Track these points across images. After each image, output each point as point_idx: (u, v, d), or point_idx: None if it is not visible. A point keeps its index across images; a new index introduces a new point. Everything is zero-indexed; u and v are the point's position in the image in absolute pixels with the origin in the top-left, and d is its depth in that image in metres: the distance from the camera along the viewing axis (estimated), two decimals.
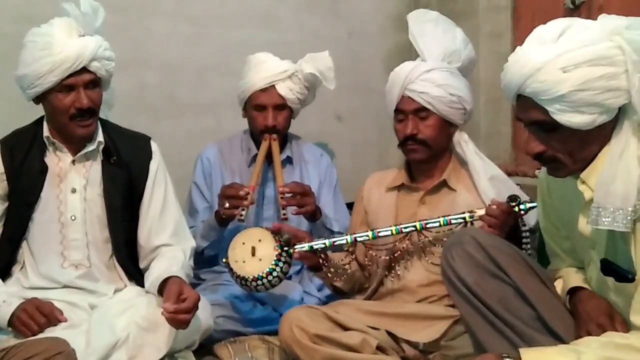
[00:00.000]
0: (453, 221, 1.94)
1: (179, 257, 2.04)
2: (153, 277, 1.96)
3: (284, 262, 2.02)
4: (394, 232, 2.00)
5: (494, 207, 1.86)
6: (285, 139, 2.57)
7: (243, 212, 2.20)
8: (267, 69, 2.43)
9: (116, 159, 2.06)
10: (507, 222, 1.85)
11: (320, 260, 2.08)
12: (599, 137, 1.44)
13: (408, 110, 2.09)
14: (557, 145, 1.46)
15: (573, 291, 1.63)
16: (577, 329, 1.55)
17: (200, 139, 2.79)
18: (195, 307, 1.84)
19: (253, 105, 2.46)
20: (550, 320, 1.55)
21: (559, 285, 1.68)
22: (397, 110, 2.12)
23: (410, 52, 2.83)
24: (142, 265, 2.09)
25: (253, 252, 2.04)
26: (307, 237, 2.06)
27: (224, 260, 2.07)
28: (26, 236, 2.01)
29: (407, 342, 1.95)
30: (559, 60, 1.38)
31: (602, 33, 1.39)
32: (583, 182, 1.47)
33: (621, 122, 1.42)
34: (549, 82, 1.38)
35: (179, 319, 1.81)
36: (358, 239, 2.04)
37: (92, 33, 1.98)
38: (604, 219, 1.39)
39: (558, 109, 1.39)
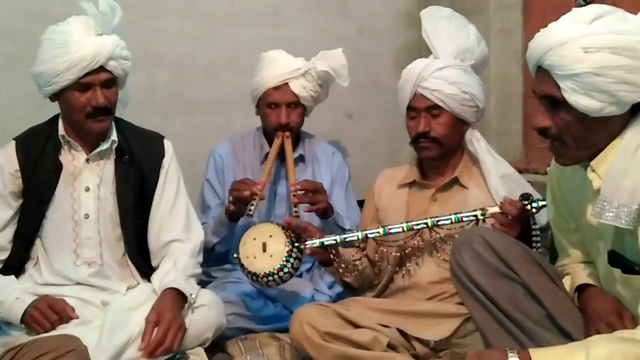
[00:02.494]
0: (465, 218, 1.94)
1: (180, 262, 2.03)
2: (156, 288, 1.98)
3: (295, 258, 2.03)
4: (405, 228, 2.00)
5: (507, 204, 1.86)
6: (297, 137, 2.57)
7: (252, 208, 2.20)
8: (280, 67, 2.44)
9: (129, 157, 2.07)
10: (519, 220, 1.84)
11: (331, 256, 2.08)
12: (605, 129, 1.43)
13: (420, 108, 2.09)
14: (562, 125, 1.45)
15: (581, 288, 1.62)
16: (586, 327, 1.55)
17: (209, 137, 2.79)
18: (171, 328, 1.84)
19: (266, 103, 2.46)
20: (560, 319, 1.56)
21: (567, 282, 1.68)
22: (410, 108, 2.12)
23: (420, 50, 2.84)
24: (154, 263, 2.10)
25: (264, 248, 2.04)
26: (318, 233, 2.07)
27: (235, 255, 2.08)
28: (40, 233, 2.03)
29: (418, 339, 1.94)
30: (584, 39, 1.38)
31: (636, 27, 1.38)
32: (593, 171, 1.46)
33: (638, 119, 1.42)
34: (567, 58, 1.38)
35: (158, 353, 1.83)
36: (369, 235, 2.04)
37: (110, 32, 1.98)
38: (607, 214, 1.39)
39: (570, 87, 1.39)
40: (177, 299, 1.93)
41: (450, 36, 2.15)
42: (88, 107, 1.96)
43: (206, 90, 2.95)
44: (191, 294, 1.96)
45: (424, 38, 2.20)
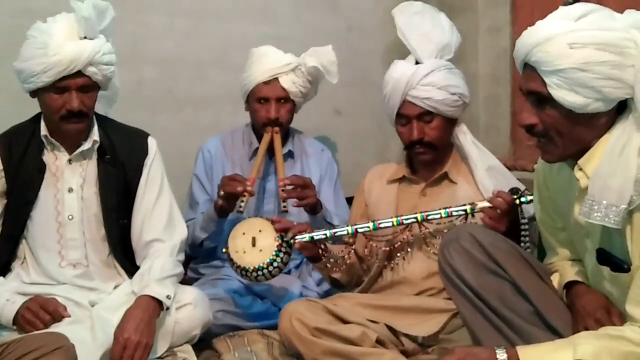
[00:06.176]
0: (454, 213, 1.94)
1: (157, 265, 1.99)
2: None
3: (284, 253, 2.03)
4: (395, 223, 2.00)
5: (499, 199, 1.85)
6: (287, 134, 2.57)
7: (242, 204, 2.20)
8: (270, 62, 2.44)
9: (110, 157, 2.04)
10: (508, 214, 1.84)
11: (320, 251, 2.08)
12: (592, 125, 1.43)
13: (412, 115, 2.07)
14: (548, 122, 1.45)
15: (569, 285, 1.63)
16: (574, 324, 1.55)
17: (198, 133, 2.78)
18: (127, 349, 1.80)
19: (256, 97, 2.46)
20: (548, 315, 1.56)
21: (555, 280, 1.68)
22: (400, 115, 2.09)
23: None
24: (138, 263, 2.08)
25: (253, 243, 2.04)
26: (307, 228, 2.06)
27: (224, 250, 2.07)
28: (25, 234, 2.01)
29: (406, 335, 1.95)
30: (570, 35, 1.38)
31: (622, 24, 1.39)
32: (580, 169, 1.47)
33: (625, 117, 1.42)
34: (553, 54, 1.38)
35: None
36: (359, 230, 2.04)
37: (95, 35, 1.95)
38: (596, 214, 1.39)
39: (555, 83, 1.39)
40: (150, 306, 1.88)
41: (427, 34, 2.12)
42: (63, 110, 1.93)
43: (195, 86, 2.94)
44: (168, 295, 1.92)
45: (399, 38, 2.15)
